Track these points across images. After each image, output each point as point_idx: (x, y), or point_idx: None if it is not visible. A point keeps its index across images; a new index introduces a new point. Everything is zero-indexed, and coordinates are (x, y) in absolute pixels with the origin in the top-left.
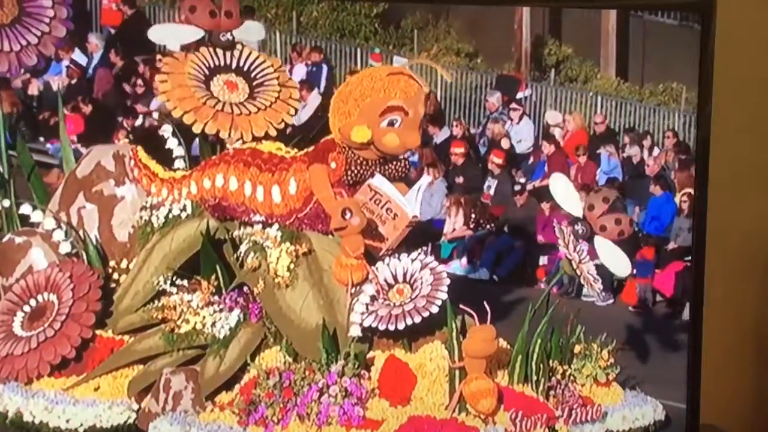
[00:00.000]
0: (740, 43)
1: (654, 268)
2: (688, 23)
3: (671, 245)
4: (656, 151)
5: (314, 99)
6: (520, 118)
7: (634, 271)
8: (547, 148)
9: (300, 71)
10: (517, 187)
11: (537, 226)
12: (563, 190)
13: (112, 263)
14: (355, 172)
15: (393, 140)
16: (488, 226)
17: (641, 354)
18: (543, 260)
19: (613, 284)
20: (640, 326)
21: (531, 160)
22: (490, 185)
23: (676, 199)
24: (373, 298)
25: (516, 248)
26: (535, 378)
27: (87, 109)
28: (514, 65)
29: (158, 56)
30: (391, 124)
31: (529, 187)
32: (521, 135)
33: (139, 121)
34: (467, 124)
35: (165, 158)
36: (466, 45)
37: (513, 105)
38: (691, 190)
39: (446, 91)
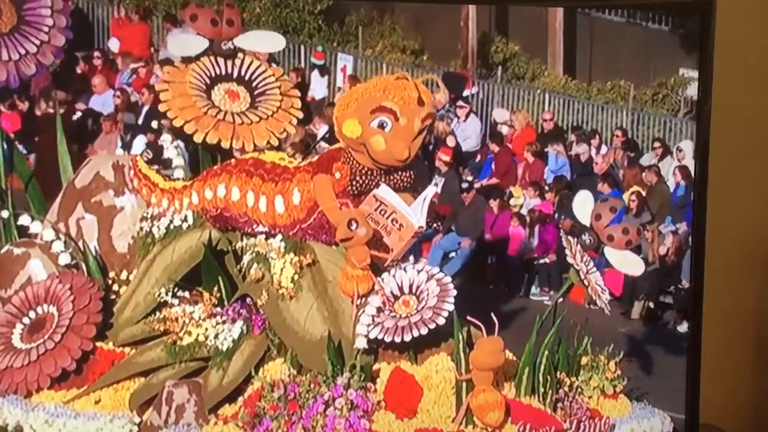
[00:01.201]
0: (740, 42)
1: (603, 266)
2: (636, 20)
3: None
4: (604, 149)
5: None
6: (467, 116)
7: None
8: (494, 147)
9: None
10: (464, 185)
11: (485, 225)
12: (582, 202)
13: (111, 274)
14: (360, 182)
15: (379, 143)
16: (435, 225)
17: (644, 364)
18: (491, 259)
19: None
20: (640, 335)
21: (478, 158)
22: (437, 183)
23: (625, 198)
24: (379, 310)
25: (463, 247)
26: (542, 390)
27: (24, 106)
28: (461, 62)
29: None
30: (382, 126)
31: (476, 185)
32: (467, 133)
33: (76, 116)
34: None
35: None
36: (412, 42)
37: (459, 103)
38: (639, 189)
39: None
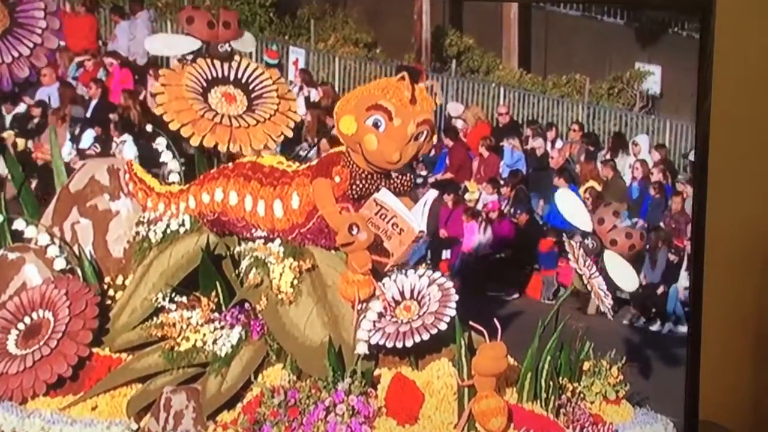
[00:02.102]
0: (739, 40)
1: (557, 261)
2: (591, 14)
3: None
4: (560, 143)
5: None
6: None
7: (538, 266)
8: (449, 141)
9: None
10: (419, 180)
11: (440, 220)
12: (570, 205)
13: (107, 279)
14: (360, 186)
15: (371, 143)
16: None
17: (643, 369)
18: (446, 254)
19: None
20: (637, 340)
21: (432, 152)
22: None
23: (580, 192)
24: (381, 315)
25: None
26: (544, 396)
27: None
28: (414, 56)
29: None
30: (376, 125)
31: (431, 180)
32: None
33: (20, 109)
34: None
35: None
36: (365, 35)
37: None
38: (594, 184)
39: (345, 83)
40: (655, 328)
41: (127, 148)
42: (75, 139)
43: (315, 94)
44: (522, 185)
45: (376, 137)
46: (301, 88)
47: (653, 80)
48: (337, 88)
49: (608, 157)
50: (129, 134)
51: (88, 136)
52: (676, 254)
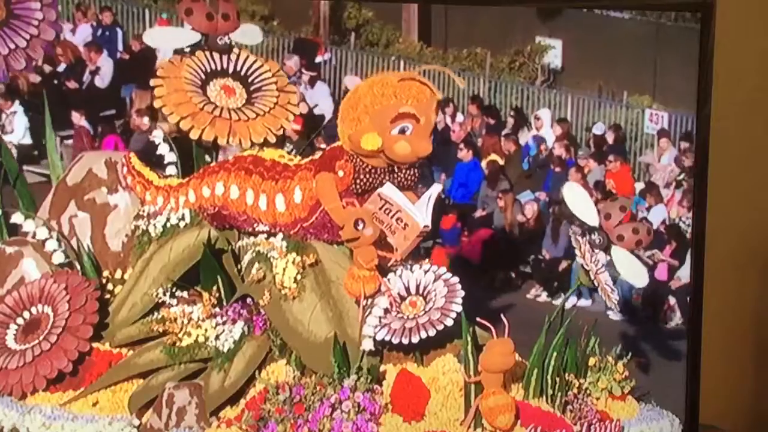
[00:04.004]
0: (738, 38)
1: (460, 236)
2: None
3: (478, 213)
4: (460, 117)
5: (105, 62)
6: (313, 83)
7: (440, 240)
8: None
9: (85, 32)
10: (317, 154)
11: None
12: (578, 199)
13: (105, 273)
14: (364, 180)
15: (404, 148)
16: None
17: (646, 364)
18: None
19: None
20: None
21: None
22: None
23: (482, 165)
24: (386, 311)
25: None
26: (550, 392)
27: None
28: (312, 29)
29: None
30: (402, 131)
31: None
32: (316, 99)
33: None
34: None
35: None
36: (261, 7)
37: (303, 69)
38: (496, 158)
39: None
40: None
41: (17, 120)
42: None
43: None
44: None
45: (407, 141)
46: None
47: (554, 54)
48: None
49: (510, 131)
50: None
51: None
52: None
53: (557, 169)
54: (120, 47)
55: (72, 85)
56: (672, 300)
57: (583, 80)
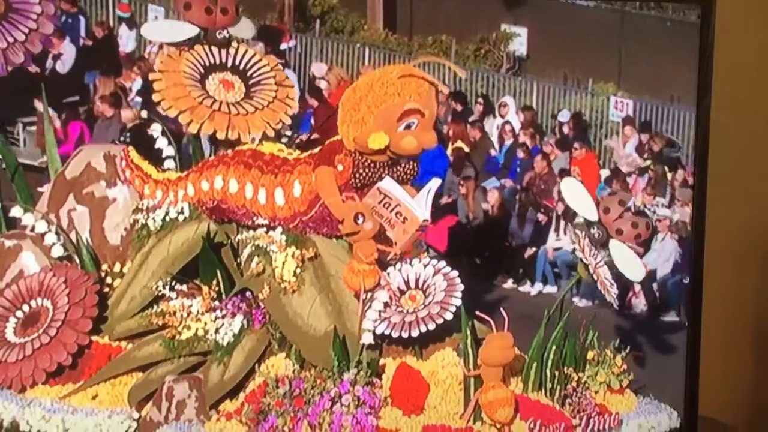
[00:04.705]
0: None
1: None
2: None
3: (444, 200)
4: None
5: (68, 48)
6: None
7: None
8: (313, 101)
9: None
10: (284, 140)
11: None
12: (576, 194)
13: (104, 267)
14: (364, 175)
15: (411, 143)
16: None
17: (644, 358)
18: None
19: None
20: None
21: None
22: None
23: (448, 152)
24: (386, 305)
25: None
26: (549, 386)
27: None
28: (277, 16)
29: None
30: (408, 127)
31: (297, 141)
32: None
33: None
34: None
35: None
36: None
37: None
38: (461, 145)
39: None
40: (526, 289)
41: None
42: None
43: None
44: None
45: (413, 135)
46: (161, 47)
47: (519, 42)
48: None
49: (478, 118)
50: None
51: None
52: (545, 214)
53: (523, 156)
54: (83, 34)
55: (33, 70)
56: (637, 287)
57: (549, 68)
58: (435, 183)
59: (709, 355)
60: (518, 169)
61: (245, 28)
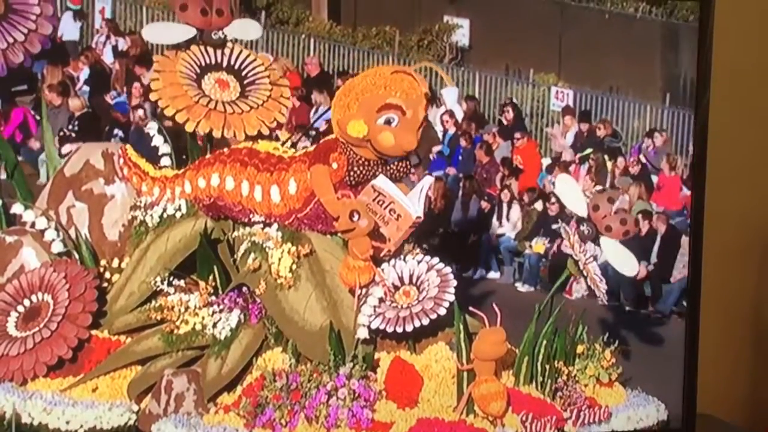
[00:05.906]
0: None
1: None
2: None
3: None
4: None
5: None
6: None
7: None
8: None
9: None
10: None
11: None
12: (569, 191)
13: (103, 263)
14: (358, 172)
15: (388, 139)
16: None
17: (639, 353)
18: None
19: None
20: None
21: None
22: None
23: None
24: (381, 301)
25: None
26: (540, 379)
27: None
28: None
29: None
30: (388, 122)
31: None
32: None
33: None
34: None
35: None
36: None
37: None
38: None
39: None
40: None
41: None
42: None
43: (123, 44)
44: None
45: (392, 133)
46: (108, 37)
47: (462, 33)
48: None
49: None
50: None
51: None
52: (489, 202)
53: (467, 146)
54: None
55: None
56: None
57: (491, 58)
58: (428, 180)
59: (706, 352)
60: (460, 158)
61: (251, 29)
